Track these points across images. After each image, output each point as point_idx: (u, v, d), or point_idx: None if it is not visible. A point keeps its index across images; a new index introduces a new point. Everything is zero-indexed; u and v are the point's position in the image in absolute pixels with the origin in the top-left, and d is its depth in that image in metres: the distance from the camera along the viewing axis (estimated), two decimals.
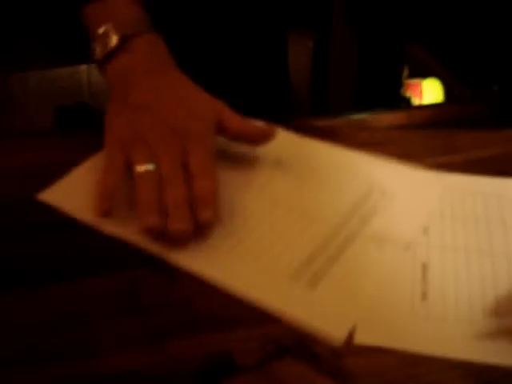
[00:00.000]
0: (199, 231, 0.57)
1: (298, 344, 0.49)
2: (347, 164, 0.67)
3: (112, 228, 0.57)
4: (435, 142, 0.72)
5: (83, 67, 1.72)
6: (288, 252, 0.56)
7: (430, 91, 1.68)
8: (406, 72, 1.79)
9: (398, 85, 1.75)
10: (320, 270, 0.54)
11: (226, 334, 0.50)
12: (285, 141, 0.71)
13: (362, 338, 0.49)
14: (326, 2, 1.68)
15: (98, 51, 0.66)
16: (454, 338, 0.49)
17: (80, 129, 0.74)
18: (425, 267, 0.55)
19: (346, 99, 1.74)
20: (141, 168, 0.58)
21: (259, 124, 0.66)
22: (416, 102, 1.69)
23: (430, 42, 1.74)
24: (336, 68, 1.74)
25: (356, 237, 0.58)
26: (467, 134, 0.74)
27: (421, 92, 1.70)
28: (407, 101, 1.70)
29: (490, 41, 1.41)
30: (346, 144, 0.70)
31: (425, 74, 1.74)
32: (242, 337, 0.50)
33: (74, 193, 0.62)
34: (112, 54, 0.66)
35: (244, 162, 0.67)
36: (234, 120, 0.63)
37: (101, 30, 0.66)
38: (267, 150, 0.68)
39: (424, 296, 0.52)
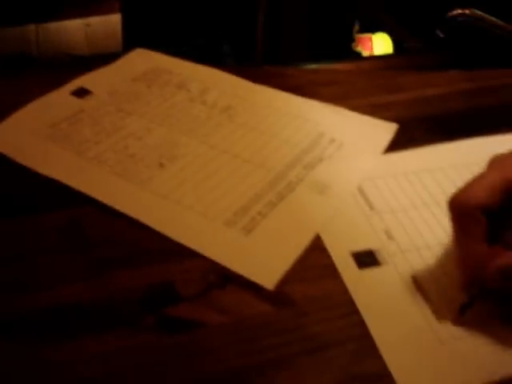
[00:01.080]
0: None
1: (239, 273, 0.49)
2: (297, 111, 0.67)
3: (49, 171, 0.57)
4: (379, 82, 0.73)
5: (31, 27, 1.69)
6: (227, 198, 0.55)
7: (379, 45, 1.69)
8: (356, 27, 1.80)
9: (349, 39, 1.75)
10: (257, 215, 0.54)
11: (167, 266, 0.50)
12: (235, 87, 0.70)
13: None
14: None
15: None
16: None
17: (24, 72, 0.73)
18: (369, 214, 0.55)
19: (298, 53, 1.74)
20: None
21: None
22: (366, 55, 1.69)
23: None
24: (288, 22, 1.73)
25: (299, 183, 0.58)
26: (412, 74, 0.75)
27: (371, 46, 1.70)
28: (358, 55, 1.70)
29: None
30: (292, 83, 0.70)
31: (374, 29, 1.74)
32: (184, 267, 0.50)
33: (13, 135, 0.61)
34: None
35: (192, 108, 0.67)
36: None
37: None
38: (217, 95, 0.68)
39: None
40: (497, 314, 0.47)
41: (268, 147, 0.61)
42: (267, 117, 0.65)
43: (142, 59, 0.75)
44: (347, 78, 0.74)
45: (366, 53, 1.70)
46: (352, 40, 1.76)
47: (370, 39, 1.72)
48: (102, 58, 0.75)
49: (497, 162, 0.47)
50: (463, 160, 0.59)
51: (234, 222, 0.53)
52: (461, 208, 0.46)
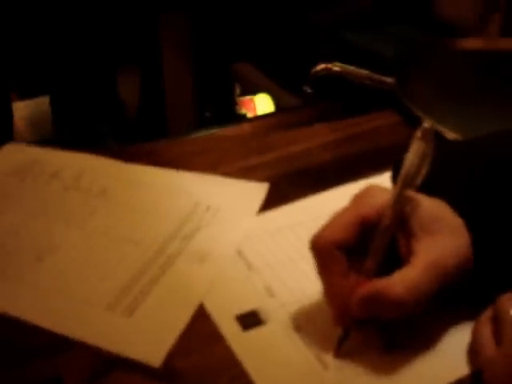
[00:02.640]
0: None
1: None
2: (171, 185, 0.68)
3: None
4: (251, 145, 0.75)
5: None
6: (107, 281, 0.56)
7: (262, 105, 1.75)
8: (238, 90, 1.85)
9: (232, 103, 1.80)
10: (139, 294, 0.54)
11: (55, 360, 0.49)
12: (108, 169, 0.71)
13: None
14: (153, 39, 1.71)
15: None
16: None
17: None
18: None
19: (186, 123, 1.77)
20: None
21: None
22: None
23: (255, 59, 1.82)
24: (173, 92, 1.77)
25: (178, 256, 0.58)
26: (280, 133, 0.78)
27: (254, 107, 1.76)
28: (243, 117, 1.75)
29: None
30: (166, 157, 0.72)
31: (255, 90, 1.80)
32: (71, 359, 0.49)
33: None
34: None
35: (67, 195, 0.67)
36: None
37: None
38: (90, 180, 0.68)
39: None
40: (375, 342, 0.49)
41: (145, 225, 0.62)
42: (142, 195, 0.67)
43: (14, 154, 0.75)
44: (220, 145, 0.76)
45: (250, 114, 1.76)
46: (235, 103, 1.81)
47: (252, 100, 1.78)
48: None
49: (353, 200, 0.50)
50: (330, 208, 0.62)
51: (115, 305, 0.53)
52: (319, 248, 0.49)
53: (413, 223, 0.48)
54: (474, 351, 0.49)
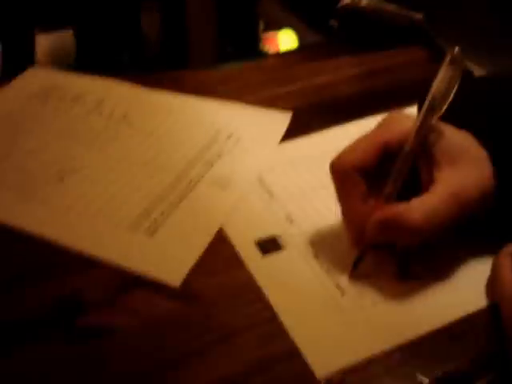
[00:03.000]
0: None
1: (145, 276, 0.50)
2: (193, 111, 0.67)
3: None
4: (274, 75, 0.74)
5: None
6: (129, 203, 0.56)
7: (285, 41, 1.72)
8: (261, 26, 1.82)
9: (255, 39, 1.77)
10: (160, 216, 0.55)
11: (75, 277, 0.50)
12: (131, 95, 0.71)
13: None
14: None
15: None
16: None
17: None
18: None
19: (208, 58, 1.75)
20: None
21: None
22: None
23: None
24: (195, 28, 1.74)
25: (200, 181, 0.58)
26: (304, 65, 0.77)
27: (277, 43, 1.73)
28: (266, 54, 1.73)
29: None
30: (188, 85, 0.71)
31: (279, 26, 1.77)
32: (92, 276, 0.50)
33: None
34: None
35: (89, 120, 0.67)
36: None
37: None
38: (112, 105, 0.68)
39: None
40: (391, 269, 0.50)
41: (166, 150, 0.62)
42: (164, 121, 0.66)
43: (36, 78, 0.75)
44: (243, 74, 0.75)
45: (273, 50, 1.73)
46: (259, 39, 1.78)
47: (276, 36, 1.75)
48: None
49: (381, 124, 0.50)
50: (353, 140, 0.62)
51: (137, 225, 0.54)
52: (338, 170, 0.49)
53: (437, 152, 0.48)
54: (492, 284, 0.49)
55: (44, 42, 1.86)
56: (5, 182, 0.59)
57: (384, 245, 0.49)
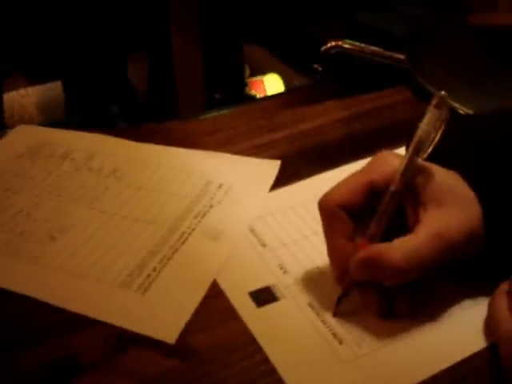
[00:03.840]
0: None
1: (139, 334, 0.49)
2: (182, 163, 0.68)
3: None
4: (261, 123, 0.75)
5: None
6: (120, 260, 0.56)
7: (271, 85, 1.74)
8: (247, 71, 1.84)
9: (242, 84, 1.79)
10: (153, 272, 0.54)
11: (69, 338, 0.49)
12: (120, 149, 0.71)
13: None
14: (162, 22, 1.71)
15: None
16: None
17: None
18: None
19: (196, 105, 1.77)
20: None
21: None
22: None
23: (264, 40, 1.81)
24: (182, 75, 1.76)
25: (192, 233, 0.58)
26: (290, 111, 0.77)
27: (264, 88, 1.75)
28: (253, 98, 1.74)
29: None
30: (176, 137, 0.72)
31: (265, 71, 1.79)
32: (86, 337, 0.49)
33: None
34: None
35: (78, 176, 0.67)
36: None
37: None
38: (101, 160, 0.68)
39: None
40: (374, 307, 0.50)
41: (157, 203, 0.62)
42: (153, 174, 0.66)
43: (25, 135, 0.75)
44: (230, 123, 0.75)
45: (259, 95, 1.75)
46: (245, 84, 1.80)
47: (262, 81, 1.77)
48: None
49: (369, 163, 0.51)
50: None
51: (129, 283, 0.53)
52: (325, 208, 0.50)
53: (423, 192, 0.48)
54: (490, 325, 0.48)
55: (33, 94, 1.87)
56: None
57: (368, 282, 0.49)
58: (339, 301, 0.49)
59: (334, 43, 1.00)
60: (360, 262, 0.47)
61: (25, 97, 1.89)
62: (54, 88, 1.84)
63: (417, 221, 0.48)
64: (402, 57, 0.89)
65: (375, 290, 0.49)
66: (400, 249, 0.47)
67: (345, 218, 0.49)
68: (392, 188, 0.48)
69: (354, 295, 0.50)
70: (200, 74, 1.78)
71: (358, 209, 0.49)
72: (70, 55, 1.68)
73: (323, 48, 1.00)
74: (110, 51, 1.71)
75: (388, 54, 0.94)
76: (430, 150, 0.49)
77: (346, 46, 0.98)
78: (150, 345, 0.48)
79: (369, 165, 0.50)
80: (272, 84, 1.74)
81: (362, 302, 0.50)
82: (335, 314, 0.50)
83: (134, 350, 0.48)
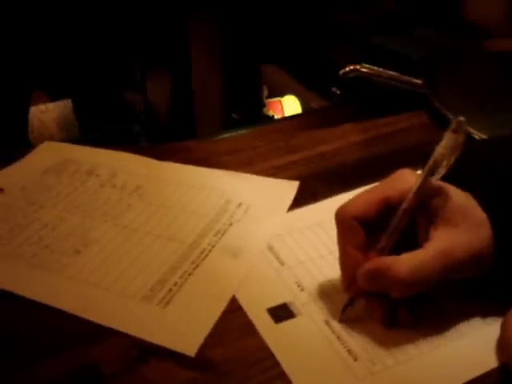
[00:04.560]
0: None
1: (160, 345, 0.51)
2: (203, 182, 0.70)
3: None
4: (279, 145, 0.77)
5: None
6: (143, 274, 0.57)
7: (289, 107, 1.76)
8: (265, 92, 1.87)
9: (260, 105, 1.82)
10: (174, 287, 0.56)
11: (90, 348, 0.51)
12: (142, 167, 0.73)
13: None
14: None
15: None
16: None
17: None
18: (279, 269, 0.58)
19: (214, 124, 1.79)
20: None
21: None
22: None
23: (283, 61, 1.83)
24: (201, 96, 1.79)
25: (212, 250, 0.60)
26: (308, 133, 0.79)
27: (282, 109, 1.77)
28: (271, 119, 1.77)
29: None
30: (196, 156, 0.74)
31: (283, 93, 1.81)
32: (107, 347, 0.51)
33: None
34: None
35: (103, 192, 0.69)
36: None
37: None
38: (126, 177, 0.70)
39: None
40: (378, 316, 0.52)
41: (178, 221, 0.64)
42: (174, 191, 0.68)
43: (50, 152, 0.77)
44: (249, 144, 0.77)
45: (277, 116, 1.77)
46: (263, 105, 1.83)
47: (280, 102, 1.79)
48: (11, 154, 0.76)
49: (387, 179, 0.53)
50: None
51: (151, 297, 0.55)
52: (340, 217, 0.52)
53: (435, 211, 0.50)
54: (501, 345, 0.49)
55: (52, 110, 1.90)
56: (22, 255, 0.60)
57: (375, 293, 0.51)
58: (345, 308, 0.52)
59: (352, 67, 1.02)
60: (367, 272, 0.50)
61: (45, 112, 1.92)
62: (66, 105, 1.87)
63: (427, 238, 0.50)
64: (419, 81, 0.91)
65: (381, 300, 0.51)
66: (406, 262, 0.49)
67: (358, 228, 0.51)
68: (404, 205, 0.50)
69: (360, 303, 0.52)
70: (219, 93, 1.81)
71: (372, 222, 0.51)
72: (83, 73, 1.71)
73: (341, 71, 1.02)
74: (131, 69, 1.74)
75: (405, 78, 0.95)
76: (444, 172, 0.50)
77: (364, 70, 1.00)
78: (170, 357, 0.50)
79: (387, 181, 0.53)
80: (290, 105, 1.76)
81: (367, 310, 0.52)
82: (340, 321, 0.52)
83: (155, 362, 0.50)
